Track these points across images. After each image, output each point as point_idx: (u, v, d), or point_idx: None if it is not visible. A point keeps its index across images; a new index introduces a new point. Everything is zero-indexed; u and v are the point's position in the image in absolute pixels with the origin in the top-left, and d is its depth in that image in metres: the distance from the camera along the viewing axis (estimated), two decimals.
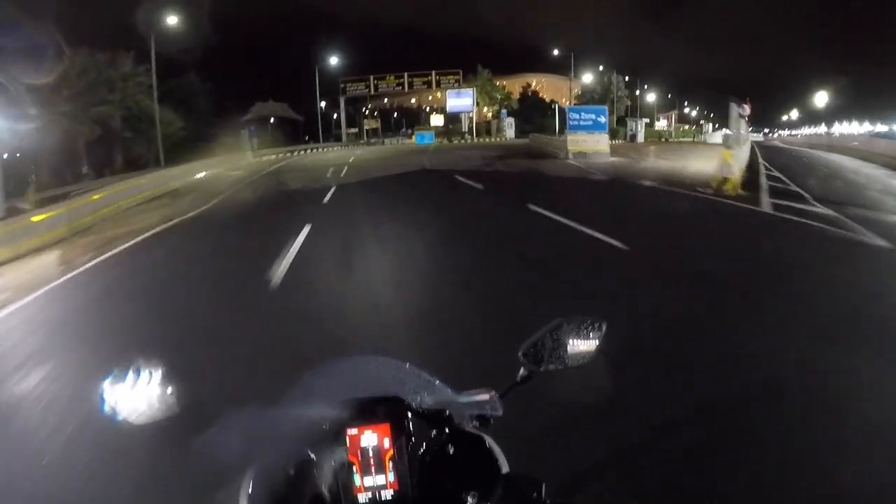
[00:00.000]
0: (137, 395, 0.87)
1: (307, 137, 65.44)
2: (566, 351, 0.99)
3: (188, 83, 46.98)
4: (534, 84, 79.56)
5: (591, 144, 24.21)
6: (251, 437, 0.85)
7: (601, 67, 58.77)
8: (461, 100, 51.20)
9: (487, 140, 49.91)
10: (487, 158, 25.64)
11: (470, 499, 0.83)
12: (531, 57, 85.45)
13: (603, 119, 25.45)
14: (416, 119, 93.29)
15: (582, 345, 1.00)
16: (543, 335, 0.99)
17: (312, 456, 0.87)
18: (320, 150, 44.38)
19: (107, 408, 0.86)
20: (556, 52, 49.59)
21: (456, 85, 52.56)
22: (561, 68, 62.68)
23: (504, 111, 53.35)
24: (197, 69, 48.11)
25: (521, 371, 1.00)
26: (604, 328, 1.01)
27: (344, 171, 21.97)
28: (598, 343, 1.00)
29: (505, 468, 0.89)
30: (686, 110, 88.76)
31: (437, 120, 65.81)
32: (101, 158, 31.56)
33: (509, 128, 52.65)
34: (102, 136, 30.53)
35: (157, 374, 0.88)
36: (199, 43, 36.69)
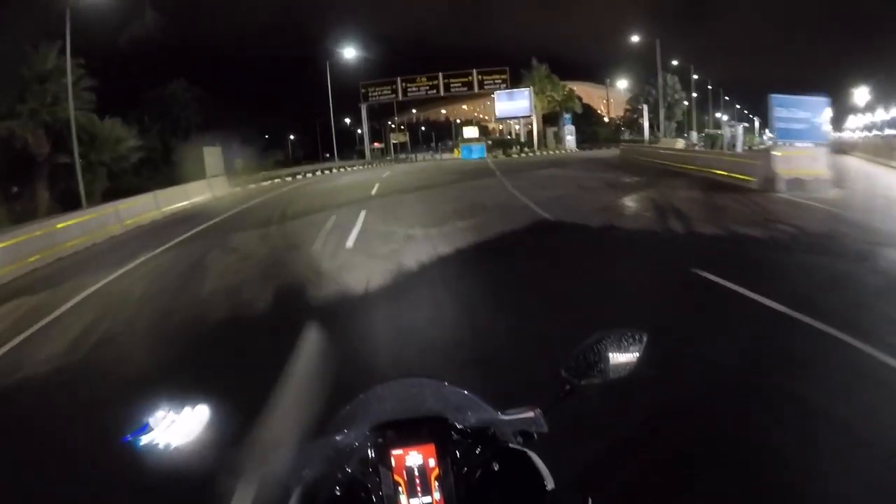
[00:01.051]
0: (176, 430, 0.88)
1: (327, 154, 56.61)
2: (607, 364, 0.98)
3: (172, 93, 37.61)
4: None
5: (806, 165, 12.81)
6: (299, 463, 0.88)
7: (675, 62, 46.91)
8: (514, 102, 40.09)
9: (552, 152, 39.02)
10: (615, 186, 14.58)
11: None
12: (563, 65, 76.78)
13: (821, 119, 14.15)
14: (446, 133, 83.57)
15: (622, 357, 0.99)
16: (584, 349, 0.99)
17: (359, 478, 0.87)
18: (336, 170, 34.08)
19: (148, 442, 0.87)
20: (635, 38, 38.02)
21: (503, 85, 41.81)
22: (594, 76, 54.49)
23: (567, 116, 42.23)
24: (192, 79, 39.05)
25: (563, 387, 1.00)
26: (644, 340, 1.00)
27: (359, 223, 11.03)
28: (638, 355, 1.00)
29: (550, 484, 0.87)
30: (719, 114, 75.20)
31: (470, 132, 59.92)
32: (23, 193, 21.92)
33: (570, 136, 41.57)
34: (16, 161, 20.76)
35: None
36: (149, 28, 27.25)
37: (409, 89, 45.46)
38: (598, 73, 62.52)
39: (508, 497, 0.85)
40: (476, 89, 43.88)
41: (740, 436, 2.81)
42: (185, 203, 18.29)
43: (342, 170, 34.69)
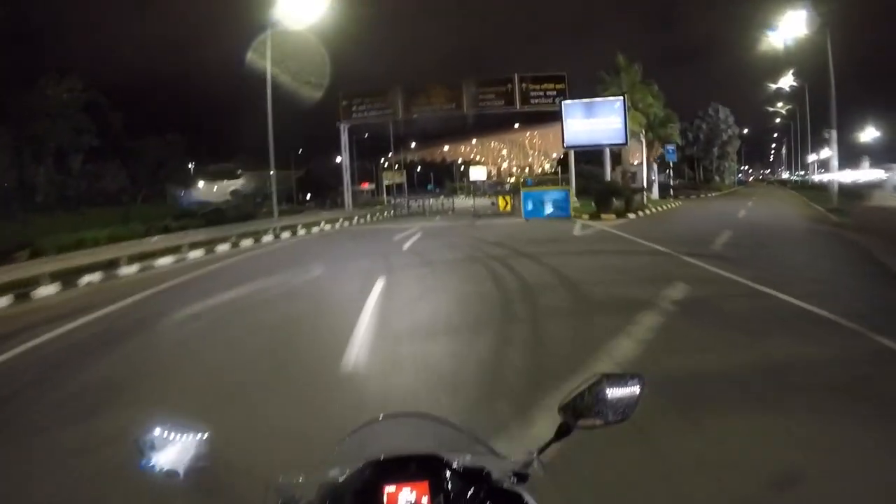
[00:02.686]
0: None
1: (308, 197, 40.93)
2: (605, 406, 0.95)
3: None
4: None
5: None
6: (293, 495, 0.89)
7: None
8: (597, 121, 23.16)
9: (660, 208, 22.91)
10: None
11: None
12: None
13: None
14: (445, 174, 68.54)
15: (621, 402, 0.95)
16: (583, 390, 0.96)
17: None
18: (272, 236, 17.15)
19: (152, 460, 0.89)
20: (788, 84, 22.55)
21: (555, 99, 25.69)
22: None
23: (670, 149, 26.27)
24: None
25: (559, 427, 0.97)
26: (644, 385, 0.97)
27: None
28: (636, 400, 0.96)
29: None
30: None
31: (477, 173, 50.25)
32: None
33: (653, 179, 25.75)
34: None
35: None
36: None
37: (413, 105, 29.38)
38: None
39: None
40: (518, 105, 27.82)
41: None
42: None
43: (282, 237, 17.80)
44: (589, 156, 30.05)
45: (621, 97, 22.96)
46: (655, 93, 26.38)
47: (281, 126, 21.00)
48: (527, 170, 71.11)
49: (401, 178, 59.27)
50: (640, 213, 20.13)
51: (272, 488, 0.91)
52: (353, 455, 0.95)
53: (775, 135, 79.58)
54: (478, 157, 66.02)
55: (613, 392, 0.96)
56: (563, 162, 57.31)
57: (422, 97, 29.40)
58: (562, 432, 0.97)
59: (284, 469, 0.91)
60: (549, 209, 18.56)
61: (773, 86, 39.34)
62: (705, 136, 55.41)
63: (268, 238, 16.94)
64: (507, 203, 22.58)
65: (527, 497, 0.89)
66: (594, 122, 22.79)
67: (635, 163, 28.14)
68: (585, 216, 18.37)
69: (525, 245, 12.29)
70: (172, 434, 0.92)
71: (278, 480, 0.92)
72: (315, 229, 19.57)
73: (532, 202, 19.18)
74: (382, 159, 68.29)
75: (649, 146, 27.74)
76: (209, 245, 14.40)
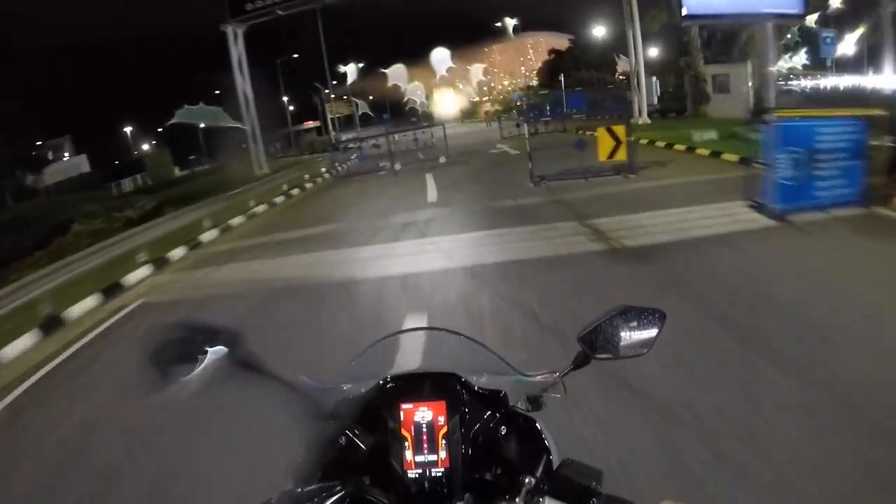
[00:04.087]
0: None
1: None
2: (621, 341, 0.93)
3: None
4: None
5: None
6: (307, 406, 0.88)
7: None
8: None
9: None
10: None
11: (526, 482, 0.76)
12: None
13: None
14: (399, 106, 56.76)
15: (639, 336, 0.93)
16: (602, 321, 0.93)
17: (365, 428, 0.87)
18: None
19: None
20: None
21: None
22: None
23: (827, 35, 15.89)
24: None
25: (577, 356, 0.95)
26: (665, 321, 0.94)
27: None
28: (655, 335, 0.93)
29: (554, 454, 0.86)
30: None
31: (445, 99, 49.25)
32: None
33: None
34: None
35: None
36: None
37: None
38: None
39: (513, 462, 0.84)
40: None
41: None
42: None
43: None
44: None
45: None
46: None
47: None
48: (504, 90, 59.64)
49: (349, 110, 47.26)
50: None
51: (299, 387, 0.89)
52: (372, 370, 0.95)
53: None
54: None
55: (631, 327, 0.92)
56: (551, 71, 46.44)
57: None
58: (580, 361, 0.95)
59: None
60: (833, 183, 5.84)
61: None
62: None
63: None
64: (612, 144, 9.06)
65: (539, 424, 0.89)
66: None
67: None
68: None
69: None
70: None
71: (300, 385, 0.90)
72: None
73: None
74: (326, 90, 55.09)
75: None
76: None
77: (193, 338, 0.83)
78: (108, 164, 36.88)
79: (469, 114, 54.53)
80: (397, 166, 15.21)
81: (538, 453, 0.85)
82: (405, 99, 60.19)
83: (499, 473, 0.84)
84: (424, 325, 4.03)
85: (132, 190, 30.30)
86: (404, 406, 0.84)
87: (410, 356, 0.99)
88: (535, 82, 53.92)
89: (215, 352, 0.82)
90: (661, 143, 12.97)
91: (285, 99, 44.27)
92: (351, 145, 19.83)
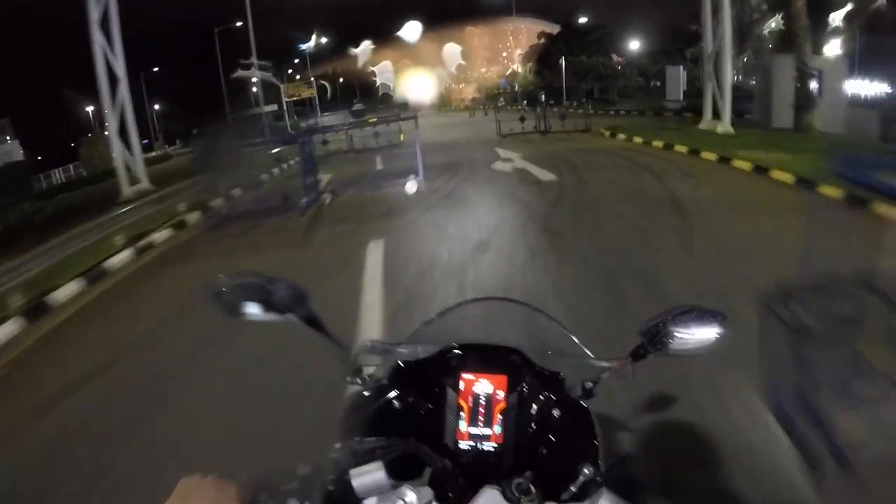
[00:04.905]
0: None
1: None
2: (678, 342, 0.89)
3: None
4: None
5: None
6: (366, 357, 0.90)
7: None
8: None
9: None
10: None
11: (584, 472, 0.75)
12: None
13: None
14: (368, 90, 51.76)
15: (699, 335, 0.89)
16: (664, 319, 0.91)
17: (424, 392, 0.86)
18: None
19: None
20: None
21: None
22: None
23: None
24: None
25: (636, 349, 0.92)
26: (725, 323, 0.89)
27: None
28: (715, 338, 0.89)
29: (601, 445, 0.83)
30: None
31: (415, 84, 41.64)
32: None
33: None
34: None
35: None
36: None
37: None
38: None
39: (561, 449, 0.83)
40: None
41: None
42: None
43: None
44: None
45: None
46: None
47: None
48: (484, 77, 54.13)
49: (311, 92, 41.18)
50: None
51: (352, 356, 0.89)
52: (438, 337, 0.94)
53: None
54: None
55: (691, 326, 0.89)
56: (542, 57, 41.06)
57: None
58: (638, 355, 0.92)
59: None
60: None
61: None
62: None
63: None
64: None
65: (591, 413, 0.87)
66: None
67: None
68: None
69: None
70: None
71: (359, 346, 0.89)
72: None
73: None
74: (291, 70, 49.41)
75: None
76: None
77: (262, 286, 0.83)
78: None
79: (445, 101, 48.68)
80: (326, 198, 9.06)
81: (589, 443, 0.82)
82: (377, 83, 54.27)
83: (554, 460, 0.82)
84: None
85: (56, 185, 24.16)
86: (465, 375, 0.84)
87: (473, 323, 0.97)
88: (518, 68, 48.67)
89: (282, 303, 0.83)
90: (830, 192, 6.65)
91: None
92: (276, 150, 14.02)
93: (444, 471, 0.75)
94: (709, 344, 0.88)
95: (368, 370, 0.89)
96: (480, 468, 0.79)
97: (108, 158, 31.60)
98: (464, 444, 0.81)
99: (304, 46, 45.51)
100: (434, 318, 1.00)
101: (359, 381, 0.88)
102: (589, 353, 0.95)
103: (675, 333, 0.88)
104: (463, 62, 59.57)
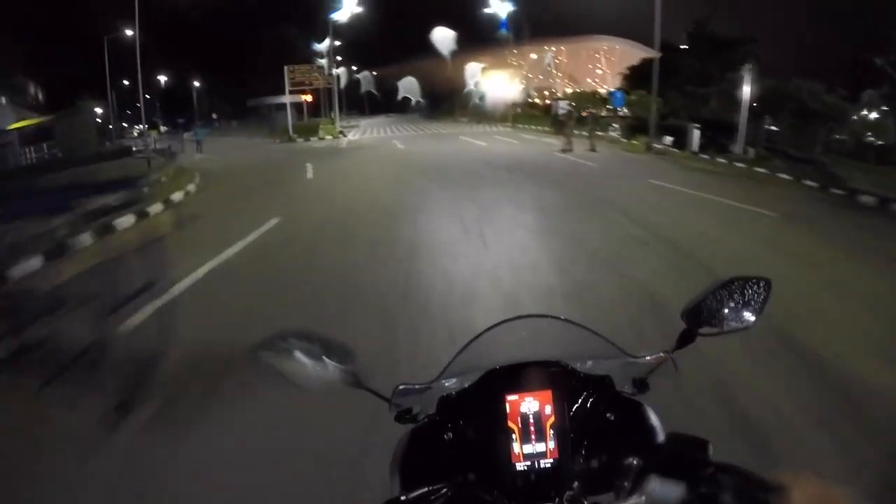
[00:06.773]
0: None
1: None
2: (727, 314, 0.87)
3: None
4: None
5: None
6: (412, 401, 0.89)
7: None
8: None
9: None
10: None
11: (633, 465, 0.77)
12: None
13: None
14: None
15: (745, 306, 0.87)
16: (706, 295, 0.88)
17: (471, 423, 0.85)
18: None
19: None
20: None
21: None
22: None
23: None
24: None
25: (682, 333, 0.90)
26: (770, 289, 0.88)
27: None
28: (761, 307, 0.87)
29: (661, 436, 0.82)
30: None
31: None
32: None
33: None
34: None
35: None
36: None
37: None
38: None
39: (622, 447, 0.81)
40: None
41: None
42: None
43: None
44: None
45: None
46: None
47: None
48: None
49: (325, 82, 32.54)
50: None
51: (392, 399, 0.88)
52: (474, 364, 0.92)
53: None
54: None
55: (735, 298, 0.86)
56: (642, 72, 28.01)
57: None
58: (684, 339, 0.90)
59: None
60: None
61: None
62: None
63: None
64: None
65: (645, 406, 0.86)
66: None
67: None
68: None
69: None
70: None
71: (394, 391, 0.89)
72: None
73: None
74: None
75: None
76: None
77: (308, 348, 0.85)
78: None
79: (518, 115, 36.68)
80: None
81: (646, 436, 0.82)
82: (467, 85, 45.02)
83: (606, 460, 0.82)
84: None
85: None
86: (510, 398, 0.83)
87: (508, 345, 0.93)
88: (605, 90, 36.25)
89: (325, 365, 0.85)
90: None
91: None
92: None
93: (496, 502, 0.76)
94: (758, 311, 0.86)
95: (415, 409, 0.88)
96: (541, 487, 0.78)
97: (92, 139, 26.12)
98: (521, 466, 0.79)
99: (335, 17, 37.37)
100: (461, 350, 0.95)
101: (407, 417, 0.87)
102: (628, 353, 0.93)
103: (725, 306, 0.86)
104: (554, 70, 48.18)
